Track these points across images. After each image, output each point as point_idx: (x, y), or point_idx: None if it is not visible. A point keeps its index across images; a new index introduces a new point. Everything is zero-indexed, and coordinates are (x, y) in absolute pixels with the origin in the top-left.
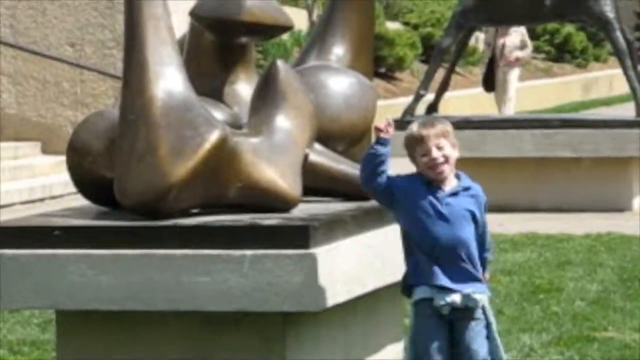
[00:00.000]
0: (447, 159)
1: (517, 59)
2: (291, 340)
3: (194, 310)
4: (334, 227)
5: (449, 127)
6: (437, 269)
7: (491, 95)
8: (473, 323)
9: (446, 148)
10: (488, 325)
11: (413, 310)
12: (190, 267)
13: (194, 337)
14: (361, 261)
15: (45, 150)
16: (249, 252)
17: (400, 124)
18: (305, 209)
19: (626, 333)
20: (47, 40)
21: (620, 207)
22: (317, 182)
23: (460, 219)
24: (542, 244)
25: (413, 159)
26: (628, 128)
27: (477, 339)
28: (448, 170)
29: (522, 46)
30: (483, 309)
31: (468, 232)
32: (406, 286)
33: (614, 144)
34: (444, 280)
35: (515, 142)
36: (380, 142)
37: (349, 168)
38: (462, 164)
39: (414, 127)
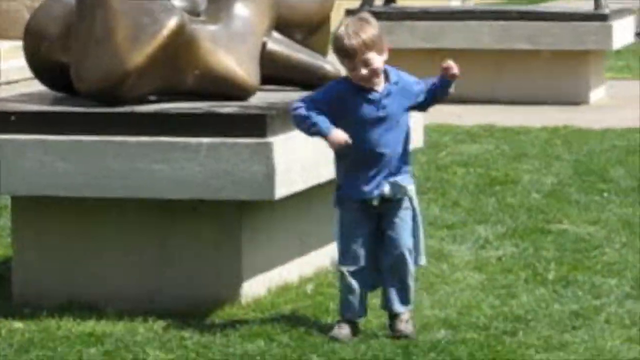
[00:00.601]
0: (375, 72)
1: None
2: (247, 228)
3: (150, 197)
4: None
5: (375, 32)
6: (369, 169)
7: None
8: (402, 212)
9: (374, 61)
10: (414, 216)
11: (339, 206)
12: (147, 155)
13: (150, 224)
14: (317, 151)
15: (1, 36)
16: (205, 140)
17: (358, 13)
18: (263, 98)
19: (581, 226)
20: None
21: (578, 100)
22: (275, 71)
23: (397, 117)
24: (499, 136)
25: (343, 64)
26: (587, 21)
27: (404, 228)
28: (378, 80)
29: None
30: (410, 199)
31: (403, 128)
32: (339, 195)
33: (572, 37)
34: (375, 176)
35: (474, 34)
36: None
37: (307, 57)
38: (420, 55)
39: (342, 35)
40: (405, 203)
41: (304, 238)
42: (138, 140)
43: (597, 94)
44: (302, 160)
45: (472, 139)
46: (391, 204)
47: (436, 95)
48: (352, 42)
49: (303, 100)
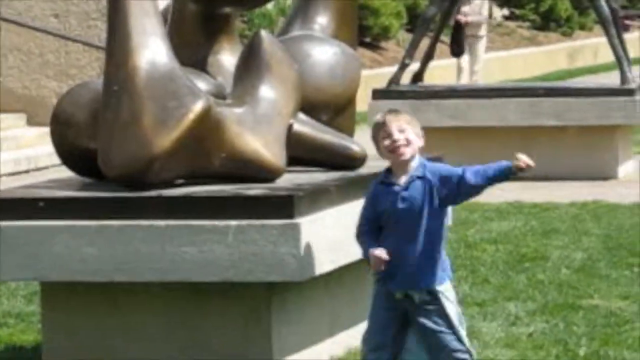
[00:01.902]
0: (409, 142)
1: (467, 23)
2: (277, 310)
3: (179, 280)
4: (318, 197)
5: (414, 119)
6: (394, 263)
7: (488, 62)
8: (430, 313)
9: (409, 133)
10: (443, 309)
11: (375, 284)
12: (175, 238)
13: (179, 308)
14: (345, 230)
15: (30, 122)
16: (233, 222)
17: (386, 93)
18: (290, 179)
19: (611, 301)
20: (31, 12)
21: (606, 175)
22: (301, 152)
23: (417, 211)
24: (528, 213)
25: (378, 147)
26: (613, 96)
27: (430, 321)
28: (409, 154)
29: (480, 12)
30: (437, 298)
31: (427, 222)
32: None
33: (599, 112)
34: (401, 276)
35: (500, 111)
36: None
37: (333, 138)
38: (448, 133)
39: (378, 115)
40: (433, 302)
41: (334, 318)
42: (166, 224)
43: (625, 169)
44: (330, 240)
45: (500, 216)
46: (415, 302)
47: (489, 181)
48: (390, 114)
49: (360, 217)
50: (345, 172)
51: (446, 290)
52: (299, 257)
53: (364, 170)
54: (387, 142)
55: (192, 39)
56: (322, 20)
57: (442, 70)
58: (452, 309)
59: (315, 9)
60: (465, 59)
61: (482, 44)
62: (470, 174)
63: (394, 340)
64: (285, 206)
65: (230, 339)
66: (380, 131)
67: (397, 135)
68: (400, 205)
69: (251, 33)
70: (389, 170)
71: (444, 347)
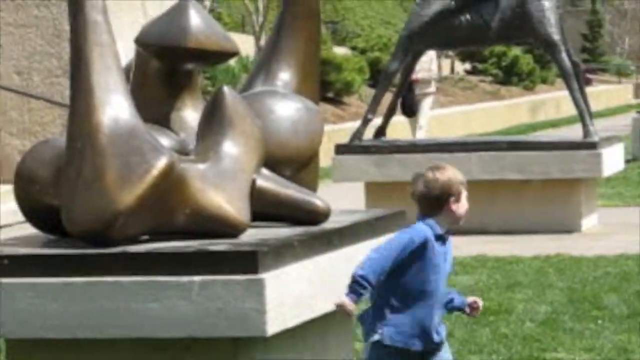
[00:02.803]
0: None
1: (417, 80)
2: None
3: (144, 337)
4: (283, 252)
5: None
6: (427, 320)
7: (441, 117)
8: (442, 352)
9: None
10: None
11: (373, 349)
12: (139, 294)
13: None
14: (310, 285)
15: None
16: (197, 278)
17: (349, 148)
18: (254, 234)
19: (576, 354)
20: None
21: (569, 228)
22: (265, 207)
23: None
24: (492, 266)
25: (447, 203)
26: (576, 149)
27: None
28: None
29: (429, 68)
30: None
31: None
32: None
33: (562, 166)
34: (433, 330)
35: (463, 165)
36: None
37: (297, 193)
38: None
39: (456, 173)
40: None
41: None
42: (130, 280)
43: (588, 222)
44: (295, 295)
45: (464, 270)
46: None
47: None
48: (462, 177)
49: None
50: (309, 227)
51: None
52: (263, 312)
53: (328, 224)
54: (466, 207)
55: (155, 95)
56: (284, 76)
57: (404, 125)
58: None
59: (277, 65)
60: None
61: (429, 101)
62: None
63: None
64: (249, 261)
65: None
66: (463, 191)
67: (466, 205)
68: (447, 263)
69: (214, 89)
70: (431, 225)
71: None
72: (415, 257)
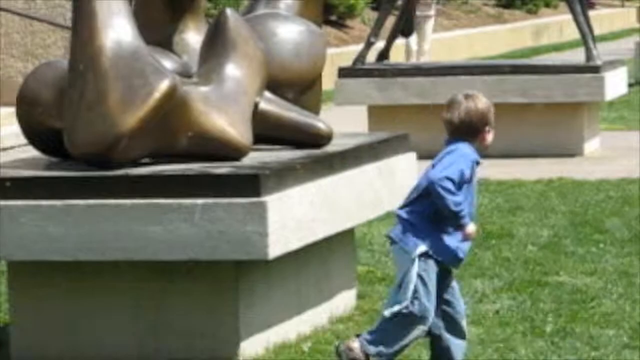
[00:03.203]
0: None
1: (416, 1)
2: (243, 288)
3: (145, 259)
4: (285, 175)
5: None
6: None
7: (444, 40)
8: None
9: None
10: None
11: (421, 261)
12: (141, 217)
13: (146, 287)
14: (312, 209)
15: None
16: (200, 201)
17: (352, 71)
18: (256, 158)
19: (577, 277)
20: None
21: (572, 152)
22: (267, 130)
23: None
24: (494, 190)
25: (483, 132)
26: (578, 73)
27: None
28: None
29: None
30: None
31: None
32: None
33: (564, 90)
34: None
35: (466, 89)
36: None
37: (299, 116)
38: (414, 110)
39: (484, 100)
40: None
41: (301, 296)
42: (132, 203)
43: (591, 146)
44: (297, 218)
45: None
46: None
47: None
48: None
49: (451, 180)
50: (311, 150)
51: None
52: (265, 235)
53: (330, 148)
54: (492, 133)
55: (158, 18)
56: None
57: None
58: None
59: None
60: (413, 39)
61: (430, 24)
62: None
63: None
64: (251, 185)
65: (197, 318)
66: (491, 119)
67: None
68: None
69: (217, 12)
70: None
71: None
72: (467, 179)
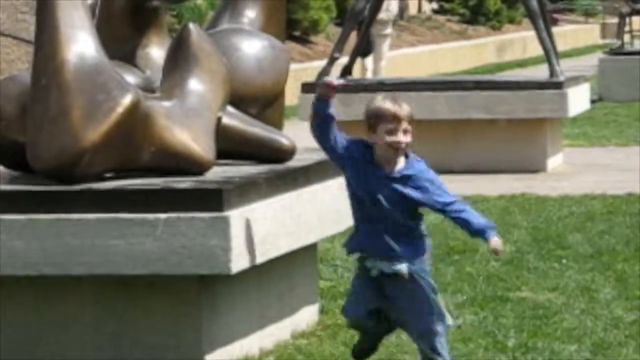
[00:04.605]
0: (407, 145)
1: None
2: (206, 302)
3: (108, 274)
4: (248, 190)
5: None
6: (369, 239)
7: (408, 56)
8: (400, 284)
9: (409, 135)
10: (418, 288)
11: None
12: (104, 231)
13: (109, 301)
14: (275, 223)
15: None
16: (162, 216)
17: (315, 86)
18: (219, 172)
19: (540, 293)
20: None
21: (535, 168)
22: (230, 145)
23: (393, 204)
24: None
25: (372, 130)
26: (541, 89)
27: (402, 298)
28: (398, 159)
29: (387, 8)
30: (412, 275)
31: (399, 213)
32: (347, 241)
33: (527, 106)
34: (371, 250)
35: (429, 104)
36: (320, 100)
37: (262, 131)
38: None
39: (386, 102)
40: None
41: (264, 311)
42: (96, 217)
43: (554, 162)
44: (259, 233)
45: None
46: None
47: (461, 226)
48: (402, 107)
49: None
50: (274, 165)
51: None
52: (228, 250)
53: (293, 163)
54: (389, 139)
55: (121, 33)
56: (250, 13)
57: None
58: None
59: (244, 3)
60: (370, 58)
61: (387, 43)
62: (458, 210)
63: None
64: (214, 199)
65: (160, 333)
66: (384, 122)
67: (401, 137)
68: (383, 192)
69: (180, 27)
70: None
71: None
72: None
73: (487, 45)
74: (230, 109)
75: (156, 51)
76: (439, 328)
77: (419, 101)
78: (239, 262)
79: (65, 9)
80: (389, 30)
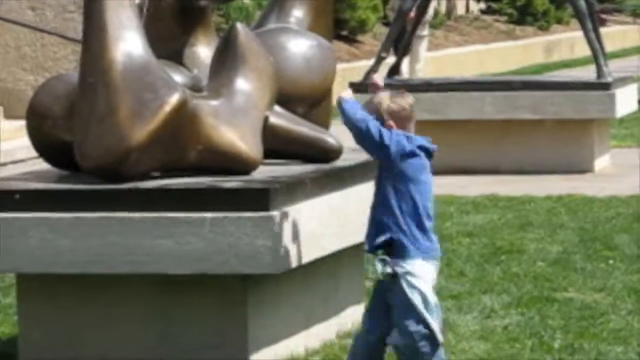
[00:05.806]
0: None
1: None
2: (252, 302)
3: (154, 273)
4: (294, 189)
5: None
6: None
7: (455, 56)
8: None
9: None
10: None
11: None
12: (150, 230)
13: (155, 300)
14: (321, 223)
15: (7, 115)
16: (209, 215)
17: (363, 86)
18: (266, 172)
19: (586, 293)
20: (7, 4)
21: (582, 168)
22: (277, 145)
23: None
24: (504, 206)
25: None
26: (589, 90)
27: (398, 306)
28: None
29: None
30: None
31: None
32: None
33: (575, 106)
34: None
35: (477, 105)
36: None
37: (309, 130)
38: (425, 126)
39: (408, 100)
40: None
41: (309, 311)
42: (141, 216)
43: (601, 162)
44: (305, 233)
45: (476, 209)
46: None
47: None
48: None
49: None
50: (321, 165)
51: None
52: (274, 249)
53: (339, 162)
54: None
55: (169, 32)
56: (298, 13)
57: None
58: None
59: (291, 2)
60: (405, 60)
61: (423, 44)
62: None
63: None
64: (261, 199)
65: (206, 331)
66: (410, 122)
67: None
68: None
69: (228, 26)
70: None
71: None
72: None
73: (534, 45)
74: (277, 108)
75: (203, 50)
76: None
77: (466, 101)
78: (284, 261)
79: (114, 8)
80: (425, 31)
